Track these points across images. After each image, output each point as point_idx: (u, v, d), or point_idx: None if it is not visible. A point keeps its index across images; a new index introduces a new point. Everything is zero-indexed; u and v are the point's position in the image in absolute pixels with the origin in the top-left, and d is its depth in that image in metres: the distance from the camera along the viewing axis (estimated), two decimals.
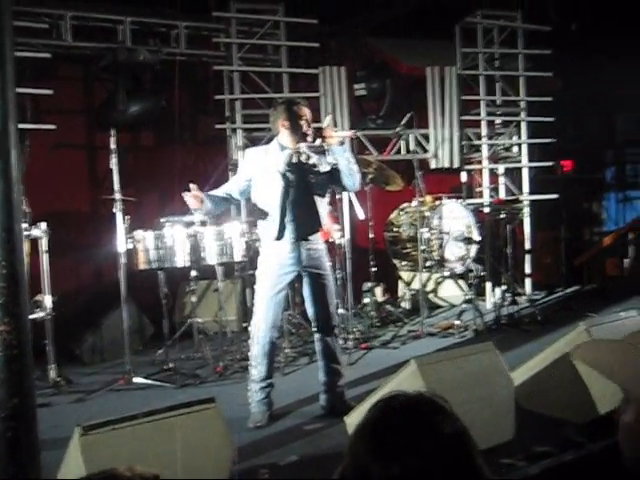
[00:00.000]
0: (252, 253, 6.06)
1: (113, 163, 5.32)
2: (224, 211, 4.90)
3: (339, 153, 4.39)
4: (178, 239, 5.47)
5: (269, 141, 7.41)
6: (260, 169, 4.42)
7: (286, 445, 4.12)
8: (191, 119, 8.08)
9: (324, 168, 4.43)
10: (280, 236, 4.37)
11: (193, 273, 5.72)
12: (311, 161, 4.43)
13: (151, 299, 6.09)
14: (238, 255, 5.75)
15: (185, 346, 6.18)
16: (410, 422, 1.30)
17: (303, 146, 4.41)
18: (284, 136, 4.44)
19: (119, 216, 5.32)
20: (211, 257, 5.58)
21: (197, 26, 7.62)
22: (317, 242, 4.52)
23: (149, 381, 5.36)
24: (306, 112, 4.41)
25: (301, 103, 4.50)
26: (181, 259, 5.49)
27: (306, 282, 4.52)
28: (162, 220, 5.66)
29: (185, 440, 2.81)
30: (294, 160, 4.40)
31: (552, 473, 3.57)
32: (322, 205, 4.54)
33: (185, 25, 7.48)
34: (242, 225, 5.96)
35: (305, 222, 4.42)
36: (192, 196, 4.44)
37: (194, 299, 5.90)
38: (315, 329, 4.60)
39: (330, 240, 6.20)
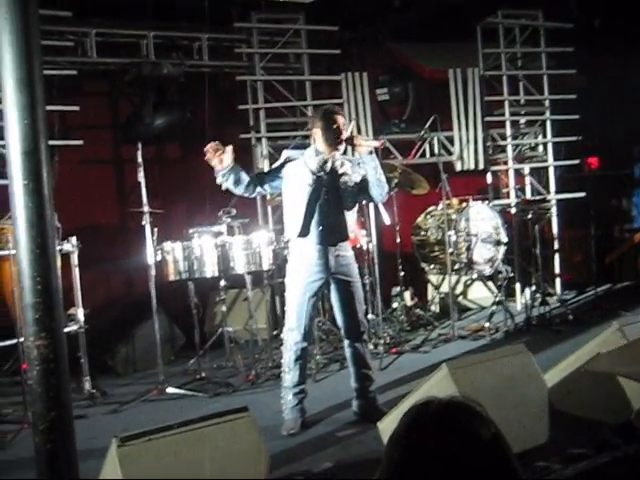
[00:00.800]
0: (280, 261, 6.11)
1: (140, 176, 5.39)
2: (238, 196, 4.88)
3: (368, 162, 4.44)
4: (206, 249, 5.53)
5: (297, 147, 7.57)
6: (294, 168, 4.49)
7: (319, 452, 4.13)
8: (216, 130, 8.12)
9: (355, 178, 4.51)
10: (304, 233, 4.42)
11: (222, 283, 5.77)
12: (343, 169, 4.49)
13: (182, 309, 6.15)
14: (266, 263, 5.80)
15: (216, 355, 6.23)
16: (445, 427, 1.31)
17: (337, 154, 4.48)
18: (319, 143, 4.51)
19: (148, 228, 5.38)
20: (240, 266, 5.63)
21: (219, 37, 7.69)
22: (345, 249, 4.55)
23: (182, 391, 5.40)
24: (340, 120, 4.47)
25: (336, 111, 4.58)
26: (210, 269, 5.55)
27: (334, 289, 4.55)
28: (190, 231, 5.72)
29: (219, 450, 2.83)
30: (328, 165, 4.46)
31: (588, 475, 3.54)
32: (351, 215, 4.58)
33: (207, 37, 7.55)
34: (269, 234, 6.01)
35: (333, 229, 4.46)
36: (218, 153, 4.53)
37: (224, 308, 5.94)
38: (344, 336, 4.63)
39: (357, 246, 6.21)
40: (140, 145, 5.46)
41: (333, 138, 4.43)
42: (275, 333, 6.61)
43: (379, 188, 4.51)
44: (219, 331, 6.09)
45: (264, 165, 7.37)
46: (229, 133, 7.98)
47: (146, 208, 5.40)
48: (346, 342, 4.64)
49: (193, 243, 5.55)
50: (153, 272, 5.42)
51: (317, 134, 4.50)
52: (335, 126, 4.44)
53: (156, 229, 5.46)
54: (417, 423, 1.35)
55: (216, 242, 5.57)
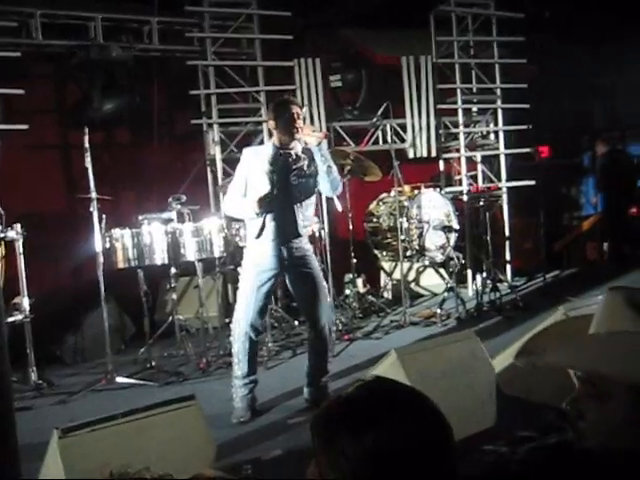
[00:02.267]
0: (232, 248, 6.05)
1: (87, 162, 5.27)
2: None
3: (315, 153, 4.38)
4: (156, 236, 5.45)
5: (248, 135, 7.51)
6: (251, 169, 4.44)
7: (270, 440, 4.12)
8: (167, 115, 8.02)
9: (309, 170, 4.44)
10: (259, 234, 4.37)
11: (173, 270, 5.69)
12: (300, 163, 4.43)
13: (131, 298, 6.05)
14: (217, 251, 5.75)
15: (167, 344, 6.16)
16: (388, 400, 1.29)
17: (297, 145, 4.43)
18: (275, 134, 4.47)
19: (95, 215, 5.27)
20: (190, 253, 5.57)
21: (170, 21, 7.56)
22: (301, 241, 4.50)
23: (131, 380, 5.33)
24: (294, 109, 4.38)
25: (290, 100, 4.51)
26: (160, 256, 5.48)
27: (295, 281, 4.53)
28: (140, 218, 5.62)
29: (165, 439, 2.79)
30: (281, 159, 4.40)
31: (534, 457, 3.59)
32: (309, 207, 4.53)
33: (157, 20, 7.41)
34: (221, 221, 5.95)
35: (287, 223, 4.40)
36: None
37: (175, 296, 5.86)
38: (310, 326, 4.61)
39: (310, 233, 6.19)
40: (87, 130, 5.33)
41: (289, 128, 4.35)
42: (227, 321, 6.56)
43: (327, 182, 4.43)
44: (170, 319, 6.01)
45: (215, 151, 7.28)
46: (180, 119, 7.89)
47: (94, 194, 5.29)
48: (312, 332, 4.60)
49: (142, 230, 5.47)
50: (101, 260, 5.32)
51: (272, 126, 4.46)
52: (288, 115, 4.36)
53: (104, 216, 5.35)
54: (361, 397, 1.33)
55: (166, 229, 5.50)
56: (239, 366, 4.51)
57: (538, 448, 3.78)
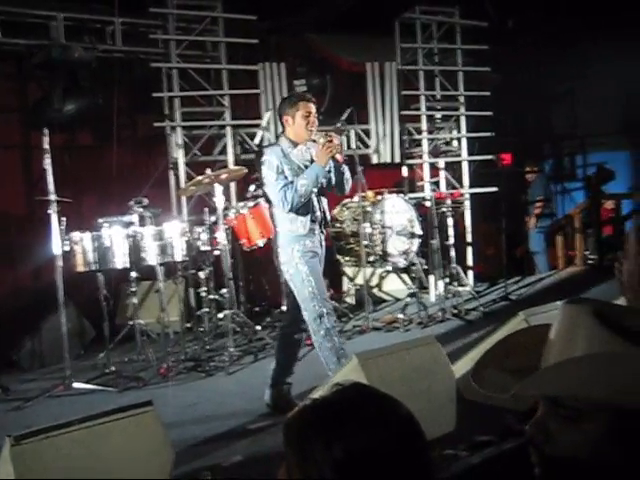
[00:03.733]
0: (194, 252, 6.01)
1: (47, 163, 5.18)
2: None
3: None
4: (116, 240, 5.40)
5: (212, 139, 7.47)
6: (283, 166, 4.44)
7: (231, 445, 4.10)
8: (129, 117, 7.94)
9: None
10: (308, 227, 4.50)
11: (133, 274, 5.62)
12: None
13: (91, 302, 5.96)
14: (179, 255, 5.70)
15: (127, 349, 6.08)
16: (363, 408, 1.28)
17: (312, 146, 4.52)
18: (291, 131, 4.50)
19: (54, 217, 5.19)
20: (151, 257, 5.53)
21: (133, 22, 7.48)
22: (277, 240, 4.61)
23: (90, 386, 5.25)
24: (313, 108, 4.47)
25: (309, 97, 4.54)
26: (120, 260, 5.43)
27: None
28: (100, 221, 5.55)
29: (122, 446, 2.75)
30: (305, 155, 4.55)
31: (493, 461, 3.63)
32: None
33: (121, 21, 7.32)
34: (183, 224, 5.91)
35: (319, 214, 4.61)
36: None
37: (135, 300, 5.79)
38: (293, 320, 4.66)
39: (271, 237, 6.17)
40: (48, 131, 5.24)
41: (309, 129, 4.41)
42: (188, 326, 6.52)
43: (340, 183, 4.57)
44: (130, 324, 5.93)
45: (179, 155, 7.22)
46: (143, 121, 7.82)
47: (53, 196, 5.20)
48: (293, 327, 4.63)
49: (103, 233, 5.40)
50: (60, 263, 5.23)
51: (289, 122, 4.48)
52: (312, 115, 4.44)
53: (64, 218, 5.27)
54: (336, 404, 1.31)
55: (127, 232, 5.45)
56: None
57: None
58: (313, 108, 4.50)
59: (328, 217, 4.71)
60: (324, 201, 4.62)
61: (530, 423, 1.24)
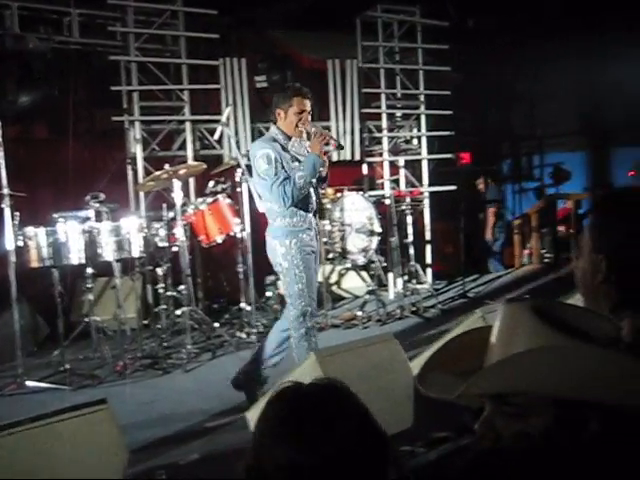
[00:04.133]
0: (152, 248, 5.94)
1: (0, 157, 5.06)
2: None
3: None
4: (72, 235, 5.30)
5: (171, 134, 7.38)
6: (282, 160, 4.37)
7: (187, 444, 4.05)
8: (87, 111, 7.79)
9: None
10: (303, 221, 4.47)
11: (89, 270, 5.52)
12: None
13: (45, 298, 5.83)
14: (137, 251, 5.63)
15: (83, 346, 5.97)
16: (320, 403, 1.27)
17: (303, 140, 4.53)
18: (284, 124, 4.44)
19: (7, 212, 5.07)
20: (108, 253, 5.44)
21: (91, 14, 7.34)
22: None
23: (43, 384, 5.14)
24: (308, 104, 4.42)
25: (306, 92, 4.48)
26: (76, 256, 5.33)
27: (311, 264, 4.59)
28: (55, 216, 5.44)
29: (75, 445, 2.69)
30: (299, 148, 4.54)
31: (450, 457, 3.66)
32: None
33: (78, 12, 7.19)
34: (140, 220, 5.83)
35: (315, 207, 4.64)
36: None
37: (91, 297, 5.69)
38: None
39: (231, 234, 6.14)
40: (1, 123, 5.11)
41: (300, 128, 4.38)
42: (145, 322, 6.45)
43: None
44: (86, 321, 5.83)
45: (137, 150, 7.12)
46: (101, 114, 7.69)
47: (5, 190, 5.08)
48: (300, 319, 4.52)
49: (58, 228, 5.30)
50: (13, 258, 5.12)
51: (281, 115, 4.42)
52: (305, 113, 4.38)
53: (18, 213, 5.15)
54: (289, 404, 1.30)
55: (83, 228, 5.35)
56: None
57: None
58: (308, 105, 4.42)
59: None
60: (318, 193, 4.63)
61: (478, 423, 1.24)
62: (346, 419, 1.25)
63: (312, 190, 4.49)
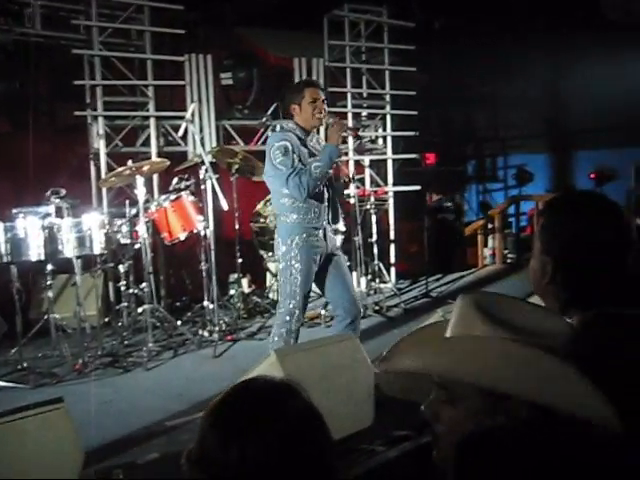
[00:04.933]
0: (114, 245, 5.88)
1: None
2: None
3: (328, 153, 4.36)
4: (31, 231, 5.19)
5: (134, 129, 7.30)
6: (300, 153, 4.34)
7: (147, 443, 4.01)
8: (49, 105, 7.68)
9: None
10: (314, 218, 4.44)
11: (49, 267, 5.43)
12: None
13: (3, 295, 5.72)
14: (98, 247, 5.55)
15: (42, 344, 5.86)
16: (263, 402, 1.27)
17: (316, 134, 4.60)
18: (300, 118, 4.43)
19: None
20: (68, 250, 5.35)
21: (54, 6, 7.22)
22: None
23: (1, 383, 5.03)
24: (322, 95, 4.43)
25: (317, 83, 4.52)
26: (35, 252, 5.22)
27: (325, 265, 4.60)
28: (14, 211, 5.36)
29: (30, 444, 2.65)
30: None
31: (411, 456, 3.69)
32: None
33: (40, 4, 7.06)
34: (102, 216, 5.76)
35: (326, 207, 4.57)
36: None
37: (51, 294, 5.60)
38: (342, 310, 4.62)
39: (194, 231, 6.10)
40: None
41: (317, 115, 4.36)
42: (106, 320, 6.37)
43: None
44: (45, 318, 5.73)
45: (100, 145, 7.03)
46: (63, 109, 7.57)
47: None
48: (346, 319, 4.57)
49: (17, 224, 5.19)
50: None
51: (296, 110, 4.41)
52: (319, 100, 4.37)
53: None
54: (234, 399, 1.30)
55: (43, 224, 5.25)
56: None
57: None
58: (321, 94, 4.42)
59: (339, 209, 4.71)
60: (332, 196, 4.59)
61: (424, 404, 1.29)
62: (285, 421, 1.25)
63: (325, 189, 4.47)
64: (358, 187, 8.27)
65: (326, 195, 4.49)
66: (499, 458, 0.90)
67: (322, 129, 4.94)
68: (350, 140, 8.21)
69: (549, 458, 0.89)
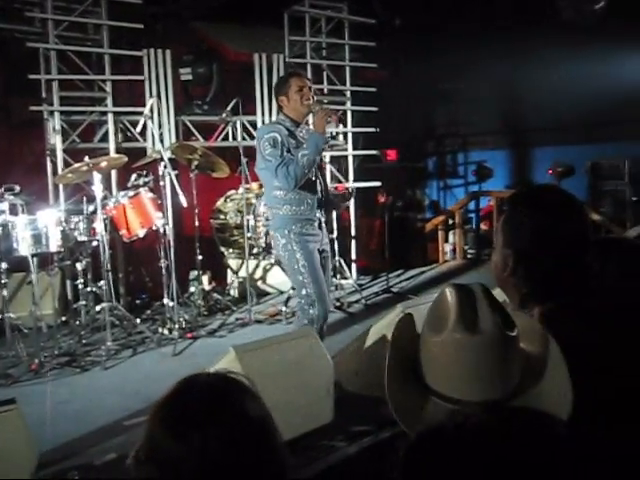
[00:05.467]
0: (71, 243, 5.78)
1: None
2: None
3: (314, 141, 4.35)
4: None
5: (92, 125, 7.18)
6: (289, 144, 4.34)
7: (105, 443, 3.97)
8: (3, 99, 7.51)
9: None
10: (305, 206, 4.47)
11: (3, 265, 5.33)
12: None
13: None
14: (55, 245, 5.46)
15: None
16: (209, 396, 1.26)
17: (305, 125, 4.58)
18: (289, 110, 4.46)
19: None
20: (23, 248, 5.26)
21: None
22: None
23: None
24: (308, 83, 4.47)
25: (301, 73, 4.57)
26: None
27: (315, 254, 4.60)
28: None
29: None
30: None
31: (370, 451, 3.71)
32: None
33: None
34: (59, 213, 5.67)
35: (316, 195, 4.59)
36: None
37: (5, 293, 5.49)
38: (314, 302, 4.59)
39: (153, 228, 6.03)
40: None
41: (305, 102, 4.39)
42: (64, 319, 6.28)
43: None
44: None
45: (56, 141, 6.91)
46: (18, 104, 7.41)
47: None
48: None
49: None
50: None
51: (284, 102, 4.44)
52: (305, 88, 4.41)
53: None
54: (181, 393, 1.29)
55: None
56: None
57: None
58: (306, 81, 4.48)
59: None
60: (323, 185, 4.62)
61: None
62: (224, 420, 1.24)
63: (318, 181, 4.50)
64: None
65: (319, 187, 4.52)
66: (447, 458, 0.90)
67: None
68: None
69: (500, 457, 0.89)
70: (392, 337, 1.39)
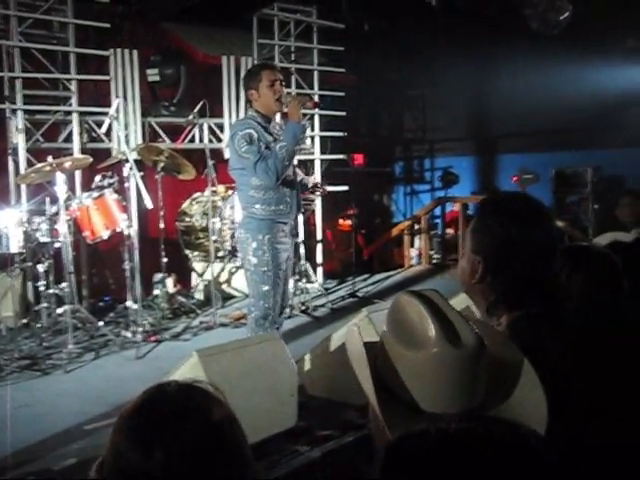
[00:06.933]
0: (33, 244, 5.69)
1: None
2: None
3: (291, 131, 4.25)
4: None
5: (57, 125, 7.08)
6: (263, 139, 4.22)
7: (64, 447, 3.91)
8: None
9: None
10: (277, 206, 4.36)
11: None
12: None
13: None
14: (15, 246, 5.38)
15: None
16: (176, 407, 1.25)
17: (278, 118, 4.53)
18: (260, 104, 4.31)
19: None
20: None
21: None
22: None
23: None
24: (280, 75, 4.32)
25: (273, 65, 4.46)
26: None
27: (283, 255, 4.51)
28: None
29: None
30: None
31: (334, 455, 3.71)
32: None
33: None
34: (20, 214, 5.58)
35: (293, 197, 4.50)
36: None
37: None
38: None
39: (117, 230, 5.96)
40: None
41: (277, 102, 4.26)
42: (24, 322, 6.16)
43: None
44: None
45: (19, 140, 6.79)
46: None
47: None
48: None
49: None
50: None
51: (254, 95, 4.29)
52: (277, 82, 4.26)
53: None
54: (146, 403, 1.27)
55: None
56: None
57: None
58: (278, 74, 4.31)
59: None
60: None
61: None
62: (202, 423, 1.23)
63: (295, 179, 4.46)
64: None
65: (295, 191, 4.46)
66: (428, 461, 0.90)
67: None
68: None
69: (484, 462, 0.90)
70: (367, 357, 1.38)
